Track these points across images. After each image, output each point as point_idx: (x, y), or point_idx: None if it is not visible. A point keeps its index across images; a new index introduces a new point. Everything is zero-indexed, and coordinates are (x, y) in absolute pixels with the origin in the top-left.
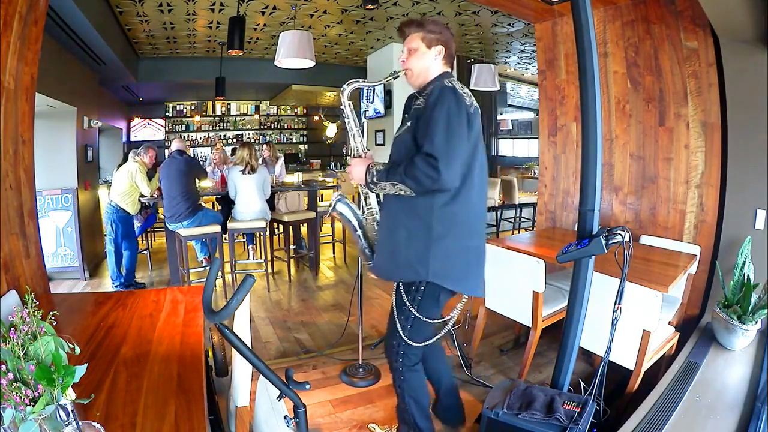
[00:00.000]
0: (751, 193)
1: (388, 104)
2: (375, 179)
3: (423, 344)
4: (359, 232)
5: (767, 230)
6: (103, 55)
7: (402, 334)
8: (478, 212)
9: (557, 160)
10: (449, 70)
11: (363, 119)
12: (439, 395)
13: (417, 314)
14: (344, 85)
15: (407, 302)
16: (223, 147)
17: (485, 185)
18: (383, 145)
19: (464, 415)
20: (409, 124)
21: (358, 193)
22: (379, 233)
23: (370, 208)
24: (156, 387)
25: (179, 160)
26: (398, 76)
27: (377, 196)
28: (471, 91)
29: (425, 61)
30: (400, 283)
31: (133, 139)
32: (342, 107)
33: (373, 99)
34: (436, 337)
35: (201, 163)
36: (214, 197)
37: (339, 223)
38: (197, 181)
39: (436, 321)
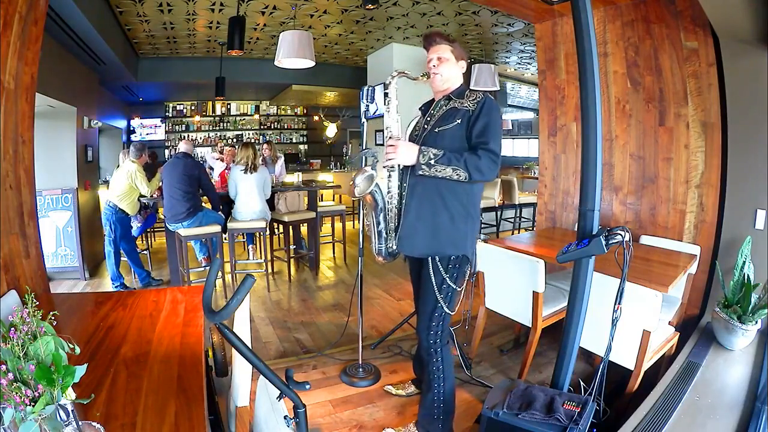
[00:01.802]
0: (751, 193)
1: (388, 103)
2: (432, 161)
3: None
4: (380, 216)
5: (767, 230)
6: (103, 55)
7: (446, 308)
8: None
9: (557, 160)
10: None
11: (363, 119)
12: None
13: (456, 287)
14: (393, 72)
15: (447, 278)
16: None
17: None
18: (383, 145)
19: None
20: (458, 121)
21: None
22: (415, 215)
23: (389, 191)
24: (156, 387)
25: (183, 162)
26: (428, 77)
27: (400, 182)
28: (471, 91)
29: (454, 71)
30: (438, 262)
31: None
32: (387, 92)
33: (374, 99)
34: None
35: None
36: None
37: (339, 223)
38: (200, 187)
39: (461, 288)
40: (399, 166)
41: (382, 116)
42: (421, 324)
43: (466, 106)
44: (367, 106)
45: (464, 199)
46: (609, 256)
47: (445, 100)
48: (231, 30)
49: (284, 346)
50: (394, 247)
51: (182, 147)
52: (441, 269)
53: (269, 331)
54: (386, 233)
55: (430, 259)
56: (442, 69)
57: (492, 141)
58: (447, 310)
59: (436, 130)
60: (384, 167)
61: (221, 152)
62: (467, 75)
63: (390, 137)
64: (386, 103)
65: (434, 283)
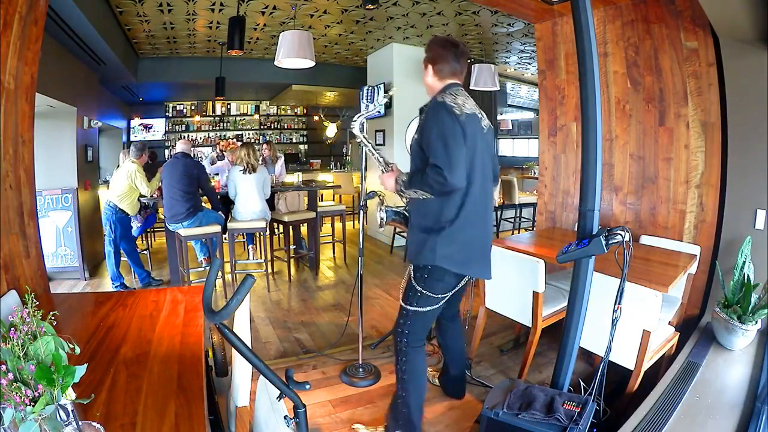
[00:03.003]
0: (751, 193)
1: (388, 104)
2: (402, 188)
3: (425, 310)
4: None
5: (767, 230)
6: (103, 55)
7: (407, 306)
8: (480, 206)
9: (557, 160)
10: (453, 81)
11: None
12: (449, 368)
13: (424, 291)
14: (351, 123)
15: (414, 282)
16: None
17: (488, 181)
18: (383, 144)
19: (464, 391)
20: (416, 136)
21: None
22: (409, 226)
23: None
24: (156, 387)
25: (182, 162)
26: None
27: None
28: (471, 91)
29: (426, 80)
30: (412, 266)
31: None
32: (359, 140)
33: (374, 99)
34: (435, 306)
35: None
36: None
37: (339, 223)
38: (199, 188)
39: (440, 296)
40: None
41: (382, 116)
42: (394, 327)
43: (422, 118)
44: (367, 106)
45: (433, 210)
46: (609, 256)
47: (420, 111)
48: (231, 30)
49: (284, 346)
50: None
51: (180, 147)
52: (412, 274)
53: (269, 331)
54: None
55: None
56: (424, 81)
57: (432, 154)
58: (409, 308)
59: (410, 145)
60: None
61: (220, 153)
62: (467, 75)
63: (381, 169)
64: (364, 151)
65: (406, 286)
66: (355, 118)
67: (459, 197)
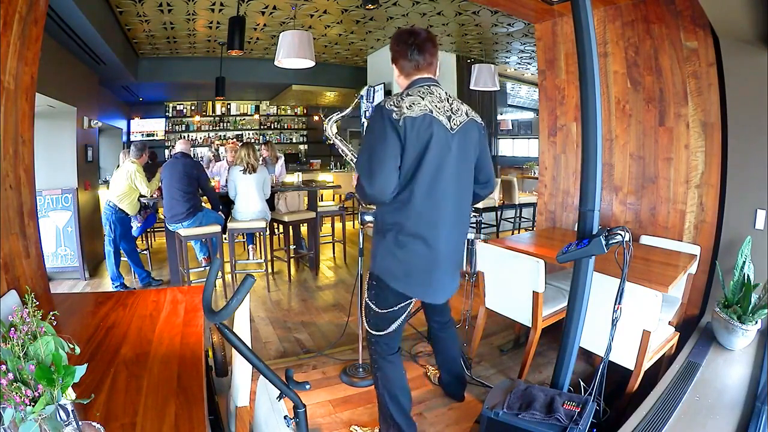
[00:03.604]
0: (751, 193)
1: (351, 116)
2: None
3: (384, 333)
4: None
5: (767, 230)
6: (103, 55)
7: (366, 326)
8: (426, 218)
9: (557, 160)
10: (420, 76)
11: (363, 119)
12: (444, 374)
13: (373, 306)
14: (325, 124)
15: (367, 290)
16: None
17: (451, 188)
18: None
19: (463, 394)
20: None
21: None
22: None
23: None
24: (156, 387)
25: (182, 162)
26: (363, 97)
27: None
28: (471, 91)
29: (397, 80)
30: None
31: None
32: (331, 142)
33: (374, 100)
34: (390, 328)
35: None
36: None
37: (339, 223)
38: (199, 188)
39: (386, 312)
40: None
41: None
42: None
43: None
44: (368, 106)
45: (379, 217)
46: (609, 256)
47: None
48: (231, 30)
49: (284, 346)
50: None
51: (179, 147)
52: (366, 282)
53: (269, 331)
54: None
55: None
56: None
57: (357, 163)
58: (366, 326)
59: None
60: None
61: (215, 153)
62: (467, 75)
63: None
64: (339, 151)
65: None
66: (327, 120)
67: (399, 206)
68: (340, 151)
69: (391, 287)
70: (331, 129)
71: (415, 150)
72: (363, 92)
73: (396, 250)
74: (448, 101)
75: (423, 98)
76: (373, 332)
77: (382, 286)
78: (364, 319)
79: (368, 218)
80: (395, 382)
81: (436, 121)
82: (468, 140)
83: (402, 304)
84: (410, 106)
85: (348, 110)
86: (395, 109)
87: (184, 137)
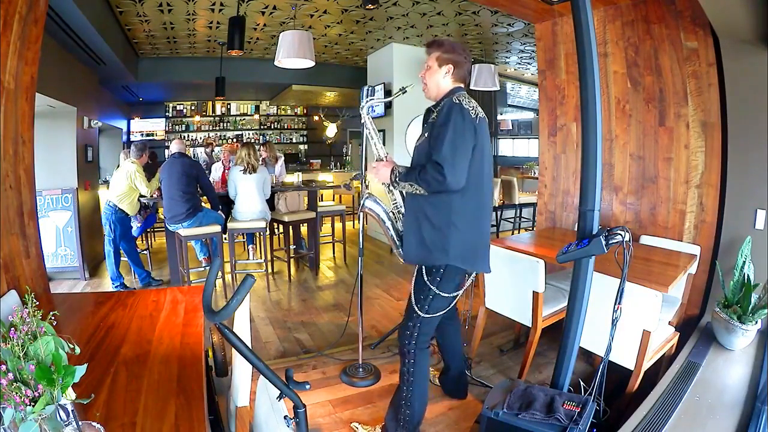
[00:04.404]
0: (751, 193)
1: (387, 104)
2: (397, 179)
3: (436, 315)
4: (388, 224)
5: (767, 230)
6: (103, 55)
7: (419, 311)
8: (487, 206)
9: (557, 160)
10: (461, 86)
11: (363, 120)
12: (450, 368)
13: (438, 292)
14: (362, 103)
15: (428, 282)
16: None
17: (491, 182)
18: (383, 144)
19: (466, 390)
20: (426, 134)
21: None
22: (405, 225)
23: (395, 202)
24: (156, 387)
25: (180, 162)
26: (406, 92)
27: (401, 192)
28: (471, 91)
29: (436, 78)
30: (423, 268)
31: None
32: (363, 121)
33: (379, 96)
34: (449, 307)
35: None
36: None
37: (339, 223)
38: (198, 187)
39: (452, 295)
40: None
41: (382, 116)
42: (401, 323)
43: (434, 118)
44: (368, 106)
45: (443, 207)
46: (609, 256)
47: (428, 113)
48: (231, 30)
49: (284, 346)
50: None
51: (175, 147)
52: (424, 275)
53: (269, 331)
54: (399, 238)
55: (418, 266)
56: (427, 78)
57: (436, 151)
58: (420, 313)
59: (417, 145)
60: (383, 183)
61: (209, 154)
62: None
63: (376, 159)
64: (365, 135)
65: (415, 288)
66: (366, 100)
67: (474, 197)
68: (369, 135)
69: (461, 269)
70: (366, 111)
71: (482, 146)
72: (408, 88)
73: (470, 236)
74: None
75: (476, 105)
76: (426, 315)
77: (453, 272)
78: (416, 302)
79: (369, 205)
80: (426, 375)
81: (487, 125)
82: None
83: (468, 281)
84: (475, 108)
85: (392, 98)
86: (470, 109)
87: (183, 137)
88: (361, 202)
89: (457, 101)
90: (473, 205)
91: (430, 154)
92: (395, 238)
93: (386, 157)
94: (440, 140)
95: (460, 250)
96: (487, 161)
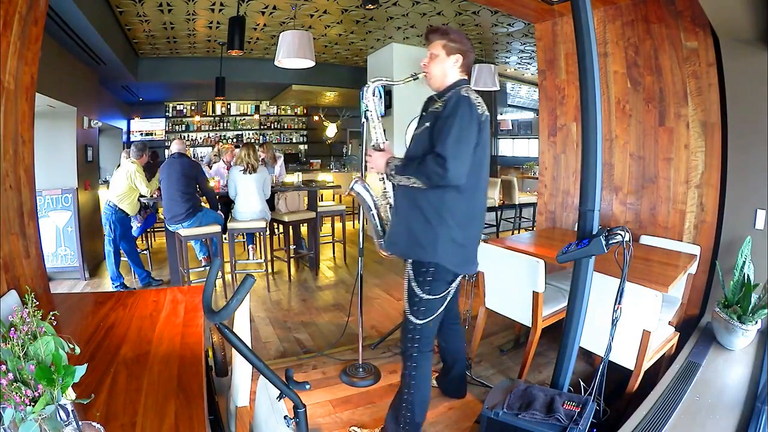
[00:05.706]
0: (751, 193)
1: (388, 104)
2: (393, 172)
3: (432, 318)
4: (373, 211)
5: (767, 230)
6: (103, 55)
7: (415, 319)
8: (480, 208)
9: (557, 160)
10: (466, 78)
11: (363, 119)
12: (451, 369)
13: (426, 295)
14: (369, 82)
15: (417, 287)
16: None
17: (487, 184)
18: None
19: (465, 389)
20: (427, 124)
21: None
22: (395, 215)
23: (385, 191)
24: (156, 387)
25: (179, 162)
26: (417, 78)
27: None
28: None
29: (444, 67)
30: (411, 266)
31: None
32: (365, 102)
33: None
34: (440, 309)
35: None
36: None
37: (339, 223)
38: (197, 188)
39: (441, 296)
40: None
41: (383, 116)
42: (401, 330)
43: (438, 108)
44: (370, 106)
45: (436, 203)
46: (609, 256)
47: (430, 101)
48: (231, 30)
49: (284, 346)
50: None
51: (175, 147)
52: (412, 274)
53: (269, 331)
54: (382, 229)
55: (406, 261)
56: (432, 67)
57: (440, 143)
58: (413, 320)
59: (415, 134)
60: (377, 173)
61: (216, 156)
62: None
63: (372, 146)
64: (365, 116)
65: (407, 294)
66: (372, 80)
67: (469, 196)
68: (370, 117)
69: (450, 270)
70: (370, 92)
71: (483, 145)
72: (420, 75)
73: (461, 236)
74: None
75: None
76: (421, 321)
77: (441, 272)
78: (409, 311)
79: (358, 189)
80: (428, 378)
81: (488, 123)
82: None
83: (455, 282)
84: (482, 104)
85: (400, 82)
86: (477, 104)
87: (183, 137)
88: (350, 185)
89: (466, 94)
90: (467, 204)
91: (430, 146)
92: (378, 229)
93: (384, 144)
94: (445, 132)
95: (450, 250)
96: (485, 162)
